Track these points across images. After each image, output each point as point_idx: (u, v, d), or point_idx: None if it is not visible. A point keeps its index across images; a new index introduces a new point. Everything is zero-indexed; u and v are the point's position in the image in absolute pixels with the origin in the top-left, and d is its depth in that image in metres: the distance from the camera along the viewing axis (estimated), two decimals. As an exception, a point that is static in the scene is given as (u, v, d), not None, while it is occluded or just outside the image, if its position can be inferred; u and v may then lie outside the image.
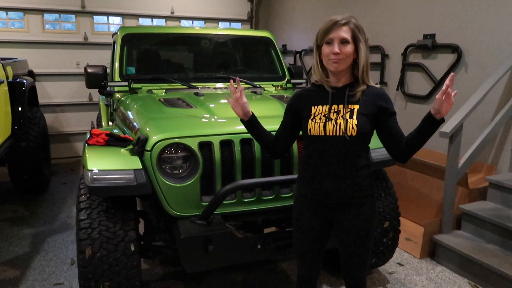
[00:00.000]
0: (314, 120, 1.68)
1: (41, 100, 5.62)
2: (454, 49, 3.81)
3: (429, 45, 4.01)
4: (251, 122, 1.89)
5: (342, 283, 2.87)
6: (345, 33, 1.60)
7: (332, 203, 1.71)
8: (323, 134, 1.66)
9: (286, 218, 2.48)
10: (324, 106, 1.69)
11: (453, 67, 3.84)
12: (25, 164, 4.23)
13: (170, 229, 2.37)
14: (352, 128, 1.62)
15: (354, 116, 1.63)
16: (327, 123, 1.65)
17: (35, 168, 4.34)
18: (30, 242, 3.49)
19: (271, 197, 2.31)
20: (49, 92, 6.03)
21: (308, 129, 1.68)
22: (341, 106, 1.66)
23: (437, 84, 4.02)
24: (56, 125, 6.17)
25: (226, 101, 2.92)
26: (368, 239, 1.75)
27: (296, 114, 1.79)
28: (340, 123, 1.63)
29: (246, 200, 2.27)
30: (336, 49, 1.59)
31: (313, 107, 1.71)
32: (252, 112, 1.88)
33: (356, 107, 1.65)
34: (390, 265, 3.14)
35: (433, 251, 3.29)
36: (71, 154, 6.29)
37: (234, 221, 2.31)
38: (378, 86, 1.73)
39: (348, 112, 1.65)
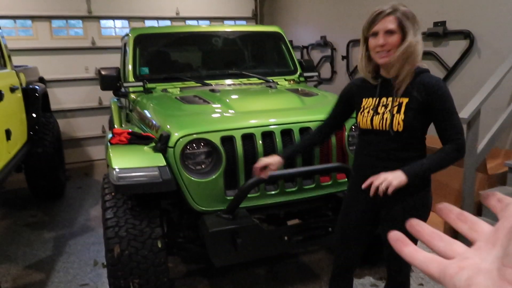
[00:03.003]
0: (362, 113, 1.67)
1: (52, 106, 5.66)
2: (466, 35, 3.78)
3: (440, 33, 3.98)
4: (289, 157, 1.86)
5: (366, 273, 2.86)
6: (390, 23, 1.55)
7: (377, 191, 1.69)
8: (370, 127, 1.65)
9: (308, 210, 2.48)
10: (374, 99, 1.66)
11: (465, 54, 3.81)
12: (41, 169, 4.27)
13: (194, 225, 2.38)
14: (398, 123, 1.58)
15: (402, 111, 1.58)
16: (374, 117, 1.63)
17: (51, 173, 4.37)
18: (52, 245, 3.52)
19: (294, 189, 2.31)
20: (59, 98, 6.07)
21: (358, 122, 1.70)
22: (390, 99, 1.62)
23: (450, 72, 4.00)
24: (68, 130, 6.21)
25: (243, 96, 2.95)
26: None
27: (349, 103, 1.77)
28: (386, 118, 1.60)
29: (269, 193, 2.28)
30: (381, 41, 1.54)
31: (363, 99, 1.70)
32: (280, 154, 1.82)
33: (405, 100, 1.58)
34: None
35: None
36: (84, 158, 6.33)
37: (258, 214, 2.32)
38: (432, 78, 1.59)
39: (396, 106, 1.59)
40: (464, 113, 3.02)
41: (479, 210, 3.33)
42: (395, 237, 0.40)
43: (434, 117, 1.60)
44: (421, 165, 1.57)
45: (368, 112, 1.65)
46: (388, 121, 1.59)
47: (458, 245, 0.38)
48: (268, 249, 2.15)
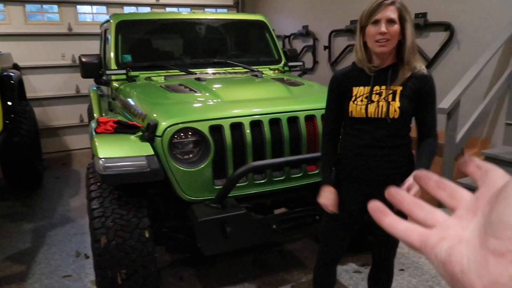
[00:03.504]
0: (355, 102, 1.67)
1: (28, 94, 5.47)
2: (446, 26, 3.86)
3: (421, 24, 4.05)
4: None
5: (349, 260, 2.93)
6: (392, 12, 1.57)
7: (372, 180, 1.71)
8: (364, 116, 1.66)
9: (294, 199, 2.51)
10: (366, 88, 1.67)
11: (445, 45, 3.90)
12: (18, 159, 4.14)
13: (181, 215, 2.37)
14: (395, 111, 1.61)
15: (397, 98, 1.61)
16: (369, 105, 1.64)
17: (28, 163, 4.25)
18: (32, 237, 3.43)
19: (281, 178, 2.33)
20: (35, 86, 5.87)
21: (350, 111, 1.68)
22: (383, 87, 1.64)
23: (430, 63, 4.08)
24: (45, 119, 6.03)
25: (229, 85, 2.93)
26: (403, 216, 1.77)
27: (340, 95, 1.76)
28: (382, 106, 1.62)
29: (257, 182, 2.28)
30: (383, 29, 1.55)
31: (354, 88, 1.69)
32: (331, 184, 1.80)
33: (399, 88, 1.63)
34: (394, 241, 3.21)
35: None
36: (62, 148, 6.17)
37: (245, 203, 2.33)
38: (425, 70, 1.66)
39: (390, 94, 1.63)
40: (444, 104, 3.11)
41: (457, 197, 3.44)
42: (375, 206, 0.39)
43: (420, 107, 1.66)
44: (427, 166, 1.64)
45: (362, 100, 1.67)
46: (385, 109, 1.62)
47: (439, 214, 0.36)
48: (257, 237, 2.17)
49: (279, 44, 3.82)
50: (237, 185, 2.20)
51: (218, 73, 3.32)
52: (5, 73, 4.09)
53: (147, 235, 2.13)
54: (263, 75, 3.21)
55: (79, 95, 6.14)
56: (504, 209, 0.28)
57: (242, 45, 3.87)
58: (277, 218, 2.19)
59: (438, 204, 0.40)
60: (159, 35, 3.62)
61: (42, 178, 4.80)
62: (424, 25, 4.03)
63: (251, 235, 2.12)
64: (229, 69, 3.39)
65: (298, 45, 6.12)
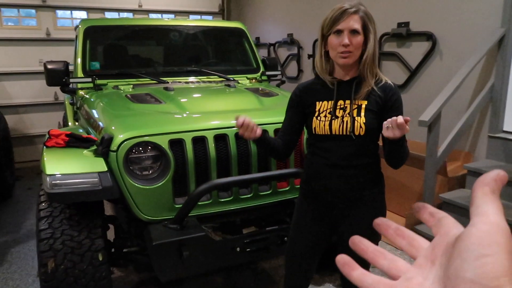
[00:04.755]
0: (319, 117, 1.54)
1: (2, 101, 5.30)
2: (428, 36, 3.77)
3: (403, 34, 3.96)
4: (263, 139, 1.63)
5: (326, 280, 2.78)
6: (355, 22, 1.46)
7: (338, 202, 1.59)
8: (328, 133, 1.52)
9: (265, 216, 2.37)
10: (329, 102, 1.54)
11: (428, 55, 3.80)
12: (-16, 169, 3.95)
13: (142, 234, 2.21)
14: (360, 127, 1.49)
15: (362, 114, 1.49)
16: (333, 121, 1.51)
17: (-5, 174, 4.06)
18: (-8, 253, 3.24)
19: (249, 196, 2.18)
20: (10, 92, 5.68)
21: (313, 128, 1.55)
22: (347, 101, 1.52)
23: (413, 73, 3.98)
24: (20, 127, 5.82)
25: (198, 95, 2.78)
26: (374, 237, 1.64)
27: (301, 109, 1.62)
28: (346, 121, 1.50)
29: (222, 200, 2.13)
30: (346, 40, 1.44)
31: (317, 103, 1.56)
32: (261, 129, 1.63)
33: (364, 102, 1.51)
34: (373, 259, 3.07)
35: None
36: (37, 157, 5.94)
37: (211, 222, 2.18)
38: (389, 82, 1.55)
39: (355, 108, 1.50)
40: (424, 116, 2.99)
41: (439, 212, 3.32)
42: (343, 261, 0.40)
43: (383, 118, 1.51)
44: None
45: (325, 116, 1.54)
46: (349, 125, 1.49)
47: (401, 263, 0.38)
48: (218, 261, 2.01)
49: (258, 52, 3.69)
50: (200, 203, 2.06)
51: (192, 82, 3.18)
52: (-28, 80, 3.91)
53: (100, 258, 1.97)
54: (238, 85, 3.08)
55: (57, 103, 5.95)
56: (460, 265, 0.29)
57: (219, 53, 3.74)
58: (241, 240, 2.04)
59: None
60: (131, 42, 3.48)
61: (12, 189, 4.60)
62: (406, 34, 3.94)
63: (212, 259, 1.96)
64: (203, 78, 3.25)
65: (283, 53, 6.02)
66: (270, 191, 2.23)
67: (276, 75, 3.57)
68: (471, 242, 0.30)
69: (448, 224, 0.36)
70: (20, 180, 5.06)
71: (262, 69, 3.57)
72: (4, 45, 5.52)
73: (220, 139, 2.09)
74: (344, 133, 1.51)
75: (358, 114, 1.50)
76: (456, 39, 3.58)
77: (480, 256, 0.29)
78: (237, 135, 2.12)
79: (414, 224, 3.24)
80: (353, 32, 1.46)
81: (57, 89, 5.79)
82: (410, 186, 3.56)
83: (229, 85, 2.96)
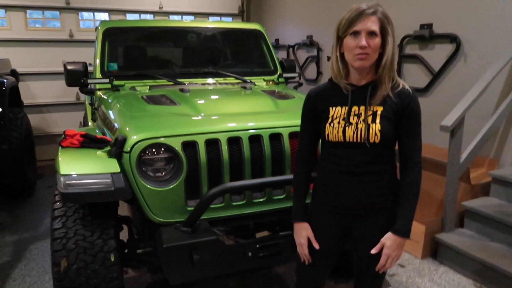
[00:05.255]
0: (332, 124, 1.49)
1: (26, 101, 5.42)
2: (452, 39, 3.65)
3: (426, 36, 3.84)
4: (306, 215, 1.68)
5: (342, 287, 2.71)
6: (373, 24, 1.39)
7: (352, 210, 1.54)
8: (342, 140, 1.47)
9: (279, 221, 2.32)
10: (343, 108, 1.49)
11: (451, 58, 3.68)
12: (7, 167, 4.03)
13: (154, 236, 2.20)
14: (375, 134, 1.43)
15: (377, 120, 1.43)
16: (347, 128, 1.46)
17: (18, 171, 4.14)
18: (12, 250, 3.30)
19: (262, 200, 2.14)
20: (34, 92, 5.82)
21: (326, 134, 1.50)
22: (362, 107, 1.46)
23: (435, 76, 3.86)
24: (43, 126, 5.96)
25: (213, 97, 2.77)
26: None
27: (316, 116, 1.58)
28: (361, 129, 1.44)
29: (235, 203, 2.10)
30: (363, 42, 1.38)
31: (331, 108, 1.51)
32: (303, 220, 1.66)
33: (380, 109, 1.45)
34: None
35: (435, 250, 3.14)
36: (59, 155, 6.08)
37: (223, 226, 2.14)
38: (407, 87, 1.49)
39: (370, 115, 1.45)
40: (447, 121, 2.89)
41: (462, 220, 3.21)
42: None
43: (402, 129, 1.49)
44: (410, 219, 1.51)
45: (339, 122, 1.48)
46: (364, 132, 1.44)
47: None
48: (229, 266, 1.98)
49: (276, 54, 3.66)
50: (212, 206, 2.03)
51: (208, 83, 3.17)
52: (-3, 80, 4.02)
53: (112, 258, 1.97)
54: (254, 87, 3.05)
55: (79, 103, 6.07)
56: None
57: (237, 55, 3.72)
58: (254, 245, 2.00)
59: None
60: (148, 44, 3.49)
61: (34, 186, 4.70)
62: (429, 36, 3.83)
63: (222, 263, 1.93)
64: (220, 80, 3.23)
65: (302, 55, 5.96)
66: (284, 196, 2.18)
67: (293, 77, 3.53)
68: None
69: None
70: (41, 178, 5.17)
71: (279, 71, 3.53)
72: (29, 46, 5.66)
73: (234, 141, 2.06)
74: (359, 140, 1.46)
75: (373, 121, 1.44)
76: (481, 41, 3.45)
77: None
78: (251, 138, 2.08)
79: (434, 232, 3.13)
80: (371, 34, 1.40)
81: (78, 89, 5.92)
82: (431, 193, 3.45)
83: (245, 87, 2.94)
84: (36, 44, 5.69)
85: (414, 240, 3.19)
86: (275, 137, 2.13)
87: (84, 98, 4.83)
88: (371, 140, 1.44)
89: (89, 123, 4.22)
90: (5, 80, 4.12)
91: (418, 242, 3.17)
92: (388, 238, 1.48)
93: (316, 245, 1.61)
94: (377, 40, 1.41)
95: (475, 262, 2.79)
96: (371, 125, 1.44)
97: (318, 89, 1.59)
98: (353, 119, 1.46)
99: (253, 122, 2.12)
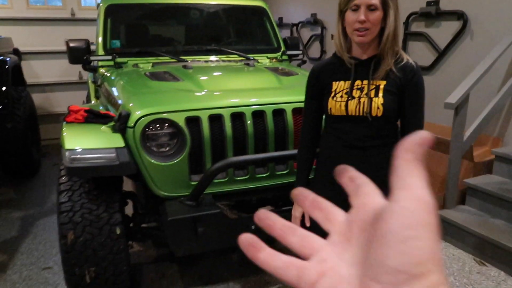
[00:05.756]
0: (335, 98, 1.49)
1: (29, 80, 5.42)
2: (459, 16, 3.59)
3: (432, 13, 3.78)
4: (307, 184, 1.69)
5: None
6: None
7: None
8: (344, 114, 1.48)
9: (282, 196, 2.34)
10: (346, 82, 1.49)
11: (458, 35, 3.63)
12: (11, 145, 4.07)
13: (159, 210, 2.24)
14: (378, 108, 1.43)
15: (380, 94, 1.43)
16: (349, 102, 1.46)
17: (22, 150, 4.18)
18: (19, 225, 3.37)
19: (265, 175, 2.17)
20: (36, 71, 5.81)
21: (329, 108, 1.50)
22: (365, 82, 1.46)
23: (441, 54, 3.82)
24: (46, 105, 5.98)
25: (216, 73, 2.76)
26: None
27: (319, 92, 1.58)
28: (363, 102, 1.44)
29: (238, 178, 2.12)
30: (362, 17, 1.37)
31: (334, 83, 1.51)
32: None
33: (383, 83, 1.44)
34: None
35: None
36: (63, 135, 6.12)
37: (226, 200, 2.18)
38: (411, 61, 1.48)
39: (373, 89, 1.44)
40: (451, 98, 2.88)
41: (463, 197, 3.23)
42: (247, 242, 0.33)
43: (404, 104, 1.48)
44: None
45: (342, 96, 1.49)
46: (366, 106, 1.44)
47: (314, 239, 0.33)
48: (233, 239, 1.99)
49: (279, 31, 3.62)
50: (216, 181, 2.06)
51: (211, 61, 3.16)
52: (0, 58, 4.01)
53: (118, 231, 2.01)
54: (257, 64, 3.03)
55: (82, 82, 6.06)
56: (382, 250, 0.25)
57: (240, 32, 3.68)
58: (256, 219, 2.03)
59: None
60: (151, 20, 3.46)
61: (39, 165, 4.75)
62: (436, 13, 3.77)
63: (226, 236, 1.96)
64: (223, 57, 3.21)
65: (306, 33, 5.89)
66: (287, 171, 2.20)
67: (297, 55, 3.50)
68: (394, 223, 0.25)
69: (367, 193, 0.32)
70: (45, 157, 5.21)
71: (283, 48, 3.50)
72: (30, 25, 5.62)
73: (237, 117, 2.07)
74: (361, 114, 1.46)
75: (376, 95, 1.44)
76: (488, 18, 3.39)
77: (404, 239, 0.25)
78: (254, 114, 2.09)
79: (436, 209, 3.15)
80: (371, 8, 1.39)
81: (81, 68, 5.90)
82: (434, 171, 3.46)
83: (248, 64, 2.92)
84: (38, 23, 5.65)
85: (415, 217, 3.22)
86: (279, 113, 2.14)
87: (87, 77, 4.82)
88: (374, 114, 1.45)
89: (92, 101, 4.24)
90: (8, 59, 4.11)
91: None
92: None
93: (307, 223, 1.63)
94: (378, 14, 1.40)
95: (475, 238, 2.83)
96: (373, 99, 1.44)
97: (322, 64, 1.59)
98: (355, 93, 1.46)
99: (256, 98, 2.13)
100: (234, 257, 2.83)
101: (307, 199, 0.36)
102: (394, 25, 1.43)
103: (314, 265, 0.31)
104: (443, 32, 3.81)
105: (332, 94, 1.50)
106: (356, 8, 1.40)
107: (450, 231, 3.03)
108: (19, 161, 4.23)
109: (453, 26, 3.70)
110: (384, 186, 1.21)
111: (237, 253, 2.87)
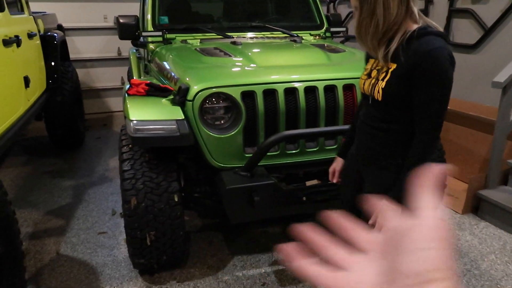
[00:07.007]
0: (362, 75, 1.56)
1: (71, 55, 5.60)
2: (509, -9, 3.47)
3: (480, -12, 3.67)
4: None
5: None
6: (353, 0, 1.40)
7: (360, 159, 1.61)
8: (363, 92, 1.55)
9: (328, 171, 2.41)
10: (373, 62, 1.52)
11: (507, 12, 3.52)
12: (60, 118, 4.28)
13: (211, 181, 2.35)
14: (378, 92, 1.41)
15: (386, 78, 1.39)
16: (366, 81, 1.51)
17: (70, 123, 4.39)
18: (72, 193, 3.59)
19: (315, 149, 2.24)
20: (78, 47, 5.99)
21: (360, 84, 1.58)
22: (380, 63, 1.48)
23: (487, 32, 3.72)
24: (87, 81, 6.18)
25: (266, 50, 2.81)
26: None
27: None
28: (371, 84, 1.47)
29: (289, 152, 2.21)
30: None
31: (370, 60, 1.56)
32: (340, 156, 1.79)
33: (393, 66, 1.38)
34: (431, 220, 3.06)
35: (476, 207, 3.18)
36: (103, 109, 6.34)
37: (276, 173, 2.26)
38: (432, 41, 1.31)
39: (385, 71, 1.42)
40: (499, 77, 2.83)
41: (506, 179, 3.21)
42: (285, 251, 0.37)
43: (412, 91, 1.35)
44: (399, 190, 1.40)
45: (365, 75, 1.54)
46: (371, 87, 1.46)
47: (351, 256, 0.36)
48: (285, 208, 2.12)
49: (322, 8, 3.61)
50: (268, 154, 2.14)
51: (256, 37, 3.20)
52: (49, 34, 4.17)
53: (176, 199, 2.14)
54: (303, 41, 3.06)
55: (121, 58, 6.21)
56: (405, 258, 0.31)
57: (283, 9, 3.69)
58: (307, 190, 2.12)
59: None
60: (196, -3, 3.52)
61: (84, 137, 4.97)
62: (484, -11, 3.65)
63: (279, 206, 2.07)
64: (267, 34, 3.25)
65: (343, 10, 5.80)
66: (336, 146, 2.26)
67: (339, 32, 3.50)
68: (416, 236, 0.31)
69: (390, 217, 0.36)
70: (88, 130, 5.44)
71: (326, 25, 3.50)
72: (73, 1, 5.77)
73: (290, 92, 2.13)
74: (370, 94, 1.48)
75: (383, 78, 1.41)
76: (542, -7, 3.27)
77: (424, 249, 0.30)
78: (306, 89, 2.14)
79: (477, 189, 3.16)
80: (357, 9, 1.40)
81: (120, 44, 6.04)
82: (475, 151, 3.44)
83: (295, 41, 2.96)
84: (78, -1, 5.79)
85: (454, 196, 3.24)
86: (330, 89, 2.19)
87: (129, 53, 4.94)
88: (376, 97, 1.44)
89: (134, 77, 4.37)
90: (56, 35, 4.27)
91: (458, 198, 3.22)
92: None
93: (334, 180, 1.79)
94: (357, 14, 1.39)
95: (518, 218, 2.83)
96: (379, 82, 1.42)
97: None
98: (373, 73, 1.48)
99: (308, 74, 2.18)
100: (279, 229, 2.94)
101: (338, 219, 0.40)
102: (376, 13, 1.33)
103: (346, 274, 0.35)
104: (491, 9, 3.69)
105: (364, 72, 1.55)
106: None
107: (491, 211, 3.03)
108: (67, 133, 4.45)
109: (502, 2, 3.58)
110: (376, 170, 1.27)
111: (281, 225, 2.98)
